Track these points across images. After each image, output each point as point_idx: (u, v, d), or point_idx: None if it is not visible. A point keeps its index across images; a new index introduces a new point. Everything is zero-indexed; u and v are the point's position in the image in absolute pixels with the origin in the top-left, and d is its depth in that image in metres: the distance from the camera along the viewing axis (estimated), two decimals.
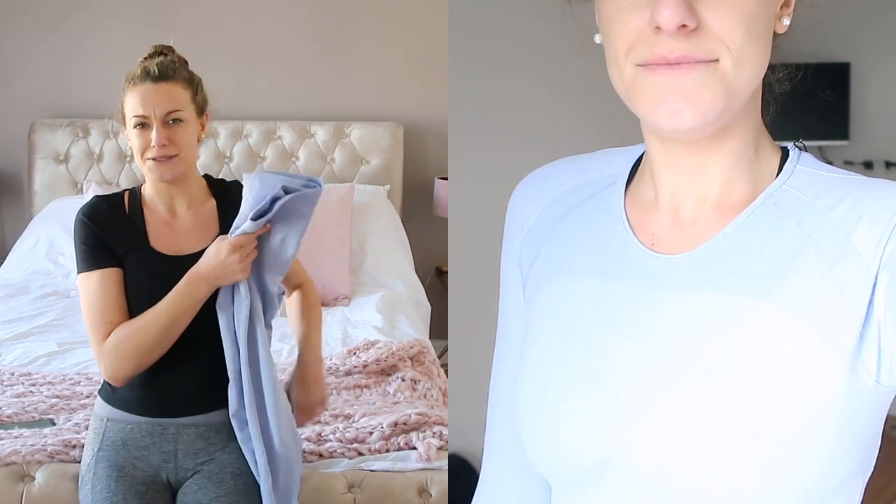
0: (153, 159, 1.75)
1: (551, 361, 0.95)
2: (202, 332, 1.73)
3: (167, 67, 1.77)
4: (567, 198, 1.02)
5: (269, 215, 1.68)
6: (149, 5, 3.77)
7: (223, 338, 1.72)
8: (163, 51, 1.82)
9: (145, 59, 1.80)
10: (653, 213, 0.95)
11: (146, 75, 1.75)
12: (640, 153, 1.00)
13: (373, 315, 3.03)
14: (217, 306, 1.72)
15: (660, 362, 0.88)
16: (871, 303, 0.82)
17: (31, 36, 3.80)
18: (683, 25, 0.79)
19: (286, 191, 1.68)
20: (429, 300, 3.38)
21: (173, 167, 1.77)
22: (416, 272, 3.50)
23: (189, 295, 1.71)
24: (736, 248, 0.88)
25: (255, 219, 1.68)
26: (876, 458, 0.89)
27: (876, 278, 0.81)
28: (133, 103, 1.75)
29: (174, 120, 1.75)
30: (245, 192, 1.71)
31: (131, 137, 1.78)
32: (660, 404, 0.87)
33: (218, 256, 1.69)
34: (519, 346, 1.04)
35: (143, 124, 1.75)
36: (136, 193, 1.83)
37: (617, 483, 0.90)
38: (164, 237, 1.80)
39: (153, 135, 1.74)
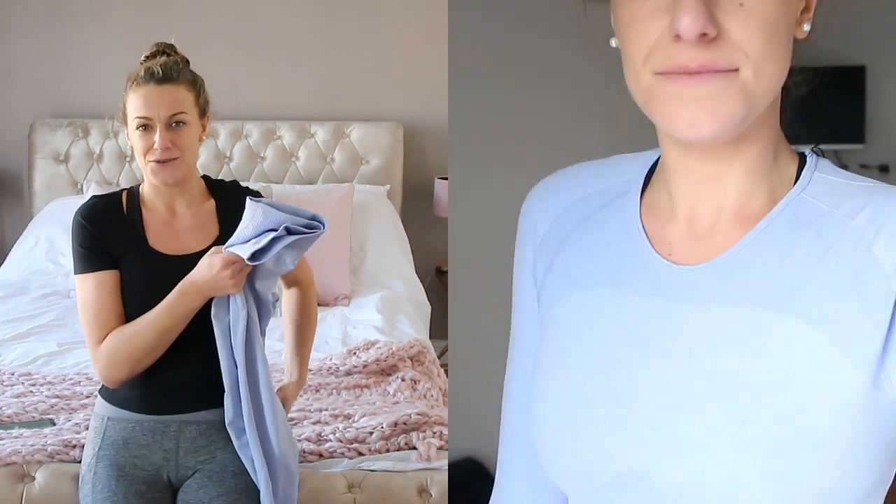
0: (155, 162, 1.74)
1: (568, 375, 0.94)
2: (201, 329, 1.73)
3: (171, 69, 1.76)
4: (580, 206, 1.01)
5: (266, 257, 1.65)
6: (149, 5, 3.77)
7: (219, 348, 1.71)
8: (165, 50, 1.81)
9: (147, 58, 1.79)
10: (669, 222, 0.94)
11: (150, 76, 1.74)
12: (654, 159, 0.99)
13: (373, 315, 3.03)
14: (212, 317, 1.71)
15: (680, 376, 0.87)
16: (893, 314, 0.81)
17: (31, 36, 3.80)
18: (704, 34, 0.78)
19: (288, 231, 1.65)
20: (429, 300, 3.38)
21: (175, 171, 1.76)
22: (416, 272, 3.50)
23: (181, 305, 1.70)
24: (755, 259, 0.87)
25: (251, 257, 1.65)
26: None
27: None
28: (136, 104, 1.74)
29: (177, 122, 1.75)
30: (245, 217, 1.68)
31: (133, 138, 1.77)
32: (680, 419, 0.86)
33: (211, 269, 1.68)
34: (533, 358, 1.03)
35: (145, 126, 1.74)
36: (133, 193, 1.83)
37: (637, 497, 0.89)
38: (163, 237, 1.79)
39: (156, 137, 1.73)
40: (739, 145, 0.87)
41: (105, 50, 3.76)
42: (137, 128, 1.75)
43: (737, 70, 0.80)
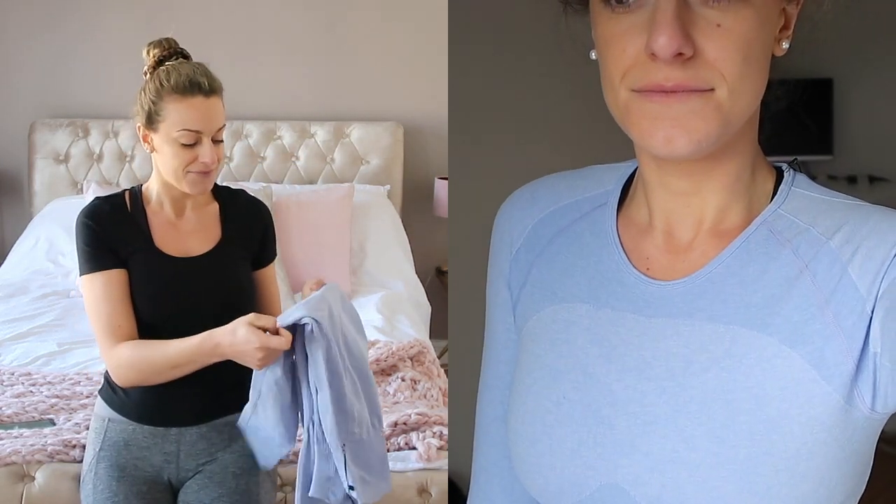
0: (198, 173, 1.71)
1: (546, 391, 0.94)
2: None
3: (213, 79, 1.71)
4: (556, 218, 1.01)
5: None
6: (149, 5, 3.77)
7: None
8: (180, 50, 1.74)
9: (162, 59, 1.72)
10: (647, 235, 0.94)
11: (197, 88, 1.68)
12: (631, 171, 0.99)
13: (373, 315, 3.03)
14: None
15: (658, 392, 0.88)
16: (867, 334, 0.81)
17: (31, 35, 3.80)
18: (680, 54, 0.78)
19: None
20: (429, 300, 3.38)
21: (211, 180, 1.75)
22: (416, 272, 3.50)
23: (199, 357, 1.66)
24: (731, 276, 0.88)
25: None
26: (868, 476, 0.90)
27: (872, 311, 0.81)
28: (184, 116, 1.68)
29: (220, 137, 1.72)
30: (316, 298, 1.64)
31: (170, 148, 1.70)
32: (658, 434, 0.87)
33: (248, 344, 1.60)
34: (508, 369, 1.03)
35: (192, 139, 1.68)
36: (136, 193, 1.80)
37: None
38: (168, 238, 1.78)
39: (202, 150, 1.69)
40: (716, 161, 0.88)
41: (105, 50, 3.76)
42: (182, 140, 1.68)
43: (712, 90, 0.80)
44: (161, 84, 1.69)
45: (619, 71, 0.83)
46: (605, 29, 0.84)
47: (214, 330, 1.64)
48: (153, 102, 1.69)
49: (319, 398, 1.62)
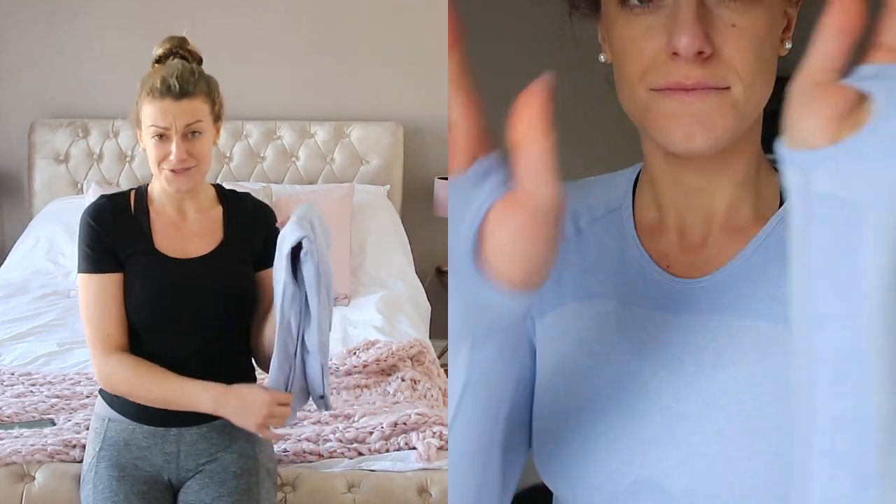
0: (171, 171, 1.71)
1: (577, 387, 0.96)
2: (205, 348, 1.73)
3: (187, 81, 1.70)
4: (570, 221, 1.03)
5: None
6: (149, 5, 3.77)
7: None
8: (178, 48, 1.75)
9: (160, 58, 1.74)
10: (661, 235, 0.97)
11: (167, 90, 1.69)
12: (635, 175, 1.02)
13: (373, 315, 3.03)
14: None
15: (690, 387, 0.90)
16: None
17: (32, 36, 3.79)
18: (700, 52, 0.82)
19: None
20: (429, 300, 3.38)
21: (190, 178, 1.74)
22: (416, 272, 3.50)
23: (192, 402, 1.70)
24: (754, 272, 0.90)
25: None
26: None
27: None
28: (152, 115, 1.70)
29: (193, 132, 1.71)
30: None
31: (148, 145, 1.73)
32: (691, 429, 0.89)
33: (257, 400, 1.64)
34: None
35: (161, 135, 1.70)
36: (142, 193, 1.81)
37: None
38: (169, 239, 1.78)
39: (172, 147, 1.69)
40: (728, 157, 0.91)
41: (106, 50, 3.76)
42: (153, 136, 1.70)
43: (728, 88, 0.84)
44: (142, 85, 1.73)
45: (638, 71, 0.86)
46: (622, 30, 0.87)
47: (229, 391, 1.68)
48: (137, 102, 1.74)
49: (313, 311, 1.63)
